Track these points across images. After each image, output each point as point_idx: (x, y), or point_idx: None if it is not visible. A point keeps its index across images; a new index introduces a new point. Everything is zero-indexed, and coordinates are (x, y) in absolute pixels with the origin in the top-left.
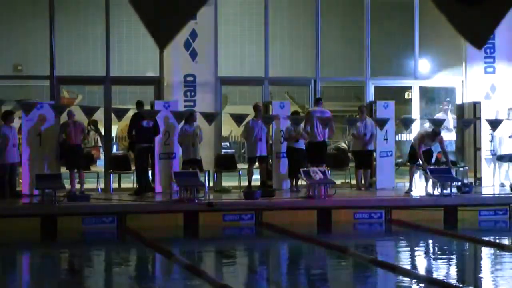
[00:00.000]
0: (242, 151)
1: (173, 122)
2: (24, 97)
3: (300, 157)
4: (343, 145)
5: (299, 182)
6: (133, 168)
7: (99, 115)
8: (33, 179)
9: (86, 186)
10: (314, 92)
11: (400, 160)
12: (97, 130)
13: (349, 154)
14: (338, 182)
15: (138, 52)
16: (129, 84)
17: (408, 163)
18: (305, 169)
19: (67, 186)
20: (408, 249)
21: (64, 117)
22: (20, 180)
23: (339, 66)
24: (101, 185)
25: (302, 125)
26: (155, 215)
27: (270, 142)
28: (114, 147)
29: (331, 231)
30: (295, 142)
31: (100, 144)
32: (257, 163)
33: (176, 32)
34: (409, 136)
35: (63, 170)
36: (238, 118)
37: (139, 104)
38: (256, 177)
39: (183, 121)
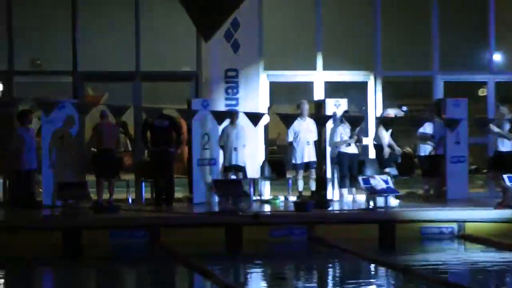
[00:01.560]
0: (291, 156)
1: (213, 123)
2: (43, 95)
3: (354, 163)
4: (408, 149)
5: (353, 192)
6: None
7: (126, 116)
8: (55, 188)
9: (114, 196)
10: (375, 88)
11: (474, 167)
12: (126, 133)
13: (415, 160)
14: (402, 191)
15: (172, 44)
16: (161, 80)
17: (487, 170)
18: (364, 176)
19: (93, 195)
20: (485, 270)
21: (90, 117)
22: (40, 190)
23: (400, 59)
24: (132, 195)
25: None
26: (193, 228)
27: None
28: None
29: (395, 248)
30: (346, 146)
31: (129, 148)
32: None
33: (223, 21)
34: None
35: (89, 177)
36: (286, 119)
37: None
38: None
39: (225, 122)
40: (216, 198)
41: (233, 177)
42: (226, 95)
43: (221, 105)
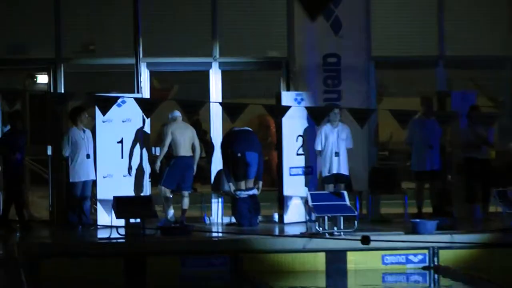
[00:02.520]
0: (408, 163)
1: (308, 122)
2: (102, 89)
3: (484, 171)
4: None
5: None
6: (243, 187)
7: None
8: (113, 204)
9: (187, 213)
10: None
11: None
12: (202, 136)
13: None
14: None
15: (255, 24)
16: (242, 68)
17: None
18: (500, 189)
19: (159, 212)
20: None
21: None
22: (95, 206)
23: None
24: (208, 212)
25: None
26: (286, 255)
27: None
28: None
29: None
30: (476, 150)
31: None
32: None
33: None
34: None
35: (153, 189)
36: (401, 116)
37: None
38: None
39: (323, 121)
40: (313, 216)
41: (333, 189)
42: (325, 87)
43: (318, 100)
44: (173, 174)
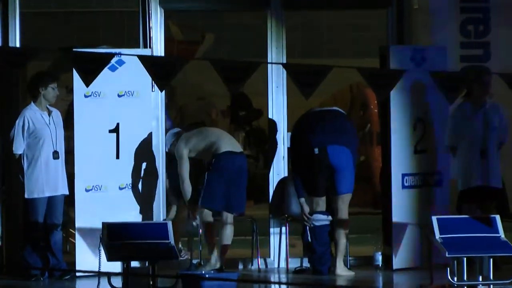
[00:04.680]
0: None
1: (434, 98)
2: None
3: None
4: None
5: None
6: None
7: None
8: (103, 236)
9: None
10: None
11: None
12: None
13: None
14: None
15: None
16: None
17: None
18: None
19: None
20: None
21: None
22: (71, 239)
23: None
24: (268, 253)
25: None
26: None
27: None
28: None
29: None
30: None
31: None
32: None
33: None
34: None
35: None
36: None
37: None
38: None
39: (460, 97)
40: (443, 257)
41: (477, 211)
42: (463, 38)
43: (452, 59)
44: (217, 184)
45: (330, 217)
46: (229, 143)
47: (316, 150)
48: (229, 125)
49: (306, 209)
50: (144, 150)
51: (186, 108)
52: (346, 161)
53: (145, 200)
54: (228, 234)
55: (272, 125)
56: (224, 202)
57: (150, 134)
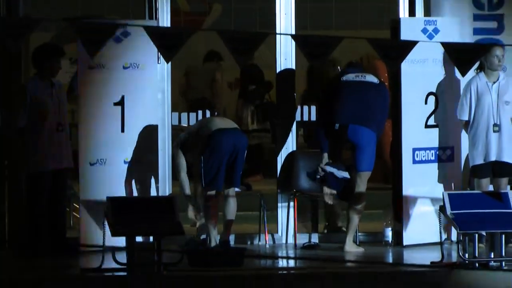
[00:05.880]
0: None
1: (448, 71)
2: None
3: None
4: None
5: None
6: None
7: None
8: (107, 210)
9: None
10: None
11: None
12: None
13: None
14: None
15: None
16: None
17: None
18: None
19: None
20: None
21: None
22: (75, 214)
23: None
24: (276, 228)
25: None
26: None
27: None
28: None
29: None
30: None
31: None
32: None
33: None
34: None
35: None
36: None
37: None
38: None
39: (473, 70)
40: (454, 234)
41: (489, 187)
42: (476, 9)
43: (465, 31)
44: (213, 164)
45: (347, 174)
46: (219, 122)
47: (337, 126)
48: (237, 99)
49: (325, 161)
50: (150, 123)
51: (192, 72)
52: (367, 140)
53: (150, 174)
54: (231, 209)
55: (281, 98)
56: (223, 180)
57: (156, 107)
